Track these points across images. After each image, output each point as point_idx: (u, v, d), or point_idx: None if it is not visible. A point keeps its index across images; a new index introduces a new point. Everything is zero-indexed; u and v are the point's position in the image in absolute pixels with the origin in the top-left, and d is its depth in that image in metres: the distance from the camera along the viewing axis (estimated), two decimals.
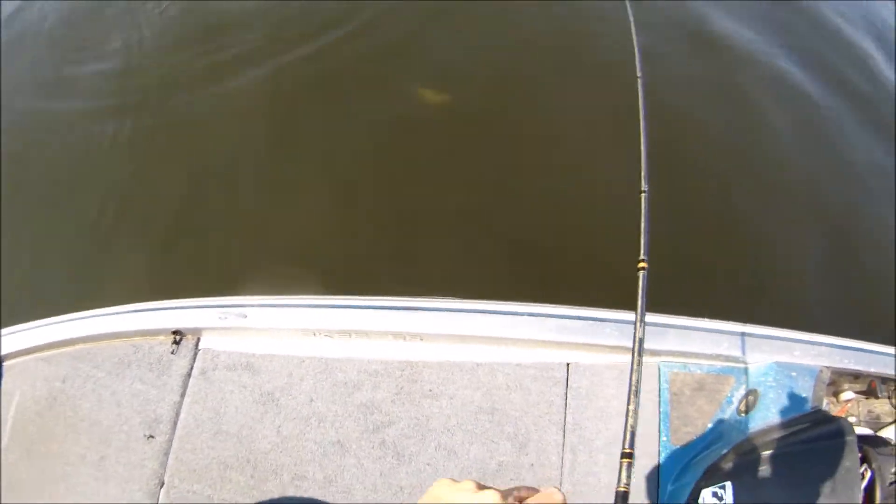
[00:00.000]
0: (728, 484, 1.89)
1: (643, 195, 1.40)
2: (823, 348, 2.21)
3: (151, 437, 1.93)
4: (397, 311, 1.98)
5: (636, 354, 1.11)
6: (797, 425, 2.01)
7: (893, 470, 2.25)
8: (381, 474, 1.86)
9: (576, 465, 1.91)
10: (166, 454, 1.92)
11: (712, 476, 1.93)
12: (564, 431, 1.93)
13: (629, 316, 2.03)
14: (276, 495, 1.86)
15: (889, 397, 2.64)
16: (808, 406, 2.14)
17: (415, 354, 2.00)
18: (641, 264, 1.26)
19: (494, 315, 1.96)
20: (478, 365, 1.97)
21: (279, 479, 1.87)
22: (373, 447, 1.88)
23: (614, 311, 2.04)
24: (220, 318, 1.99)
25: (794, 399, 2.12)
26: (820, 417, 2.05)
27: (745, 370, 2.14)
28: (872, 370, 2.29)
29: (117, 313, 2.08)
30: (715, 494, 1.90)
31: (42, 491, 1.92)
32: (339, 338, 2.00)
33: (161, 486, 1.88)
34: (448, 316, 1.96)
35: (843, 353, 2.24)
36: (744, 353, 2.11)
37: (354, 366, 1.99)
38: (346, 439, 1.89)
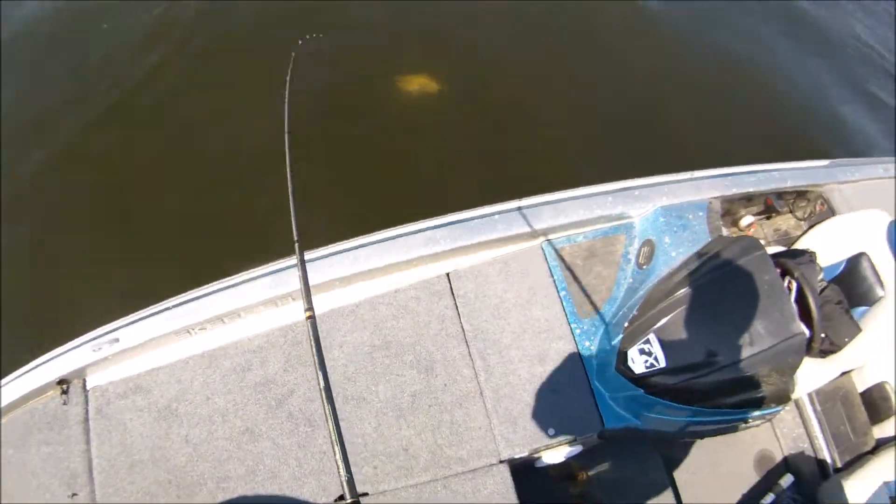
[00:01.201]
0: (651, 335, 1.82)
1: (296, 245, 1.36)
2: (706, 181, 2.13)
3: (75, 494, 1.84)
4: (262, 279, 1.88)
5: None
6: (702, 258, 1.92)
7: (820, 277, 2.23)
8: (299, 446, 1.79)
9: (490, 370, 1.84)
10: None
11: (633, 334, 1.86)
12: (466, 341, 1.85)
13: (493, 209, 1.94)
14: (207, 500, 1.79)
15: (791, 210, 2.62)
16: (704, 237, 2.09)
17: (291, 316, 1.90)
18: (308, 314, 1.22)
19: (355, 251, 1.86)
20: (357, 305, 1.88)
21: (205, 487, 1.80)
22: (282, 422, 1.80)
23: (475, 209, 1.95)
24: (94, 350, 1.91)
25: (692, 237, 2.05)
26: (723, 243, 1.97)
27: (632, 224, 2.06)
28: (763, 188, 2.24)
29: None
30: (642, 351, 1.83)
31: None
32: (213, 327, 1.91)
33: None
34: (311, 267, 1.86)
35: (727, 180, 2.15)
36: (626, 208, 2.02)
37: (237, 348, 1.89)
38: (253, 425, 1.81)
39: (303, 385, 1.83)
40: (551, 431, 1.84)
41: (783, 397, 1.95)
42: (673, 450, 2.21)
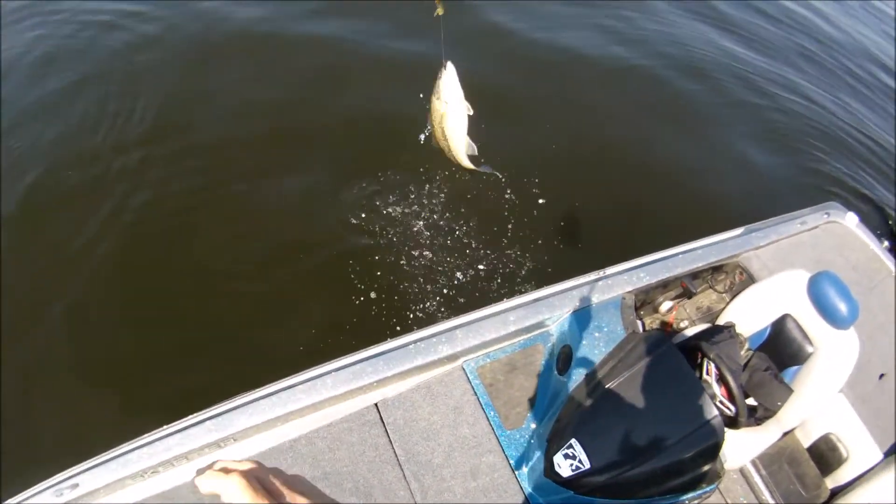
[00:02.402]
0: (573, 440, 1.93)
1: None
2: (616, 278, 2.28)
3: None
4: (202, 424, 1.94)
5: None
6: (615, 358, 2.06)
7: (745, 348, 2.34)
8: None
9: (426, 490, 1.92)
10: None
11: (555, 440, 1.97)
12: (400, 465, 1.94)
13: (410, 337, 2.05)
14: None
15: (711, 286, 2.75)
16: (620, 332, 2.21)
17: (232, 455, 1.95)
18: None
19: (289, 391, 1.94)
20: (294, 440, 1.97)
21: None
22: None
23: (394, 339, 2.06)
24: (55, 496, 1.97)
25: (608, 336, 2.17)
26: (633, 340, 2.08)
27: (549, 333, 2.19)
28: (676, 272, 2.38)
29: None
30: (567, 455, 1.94)
31: None
32: (165, 469, 1.94)
33: None
34: (250, 408, 1.93)
35: (637, 272, 2.31)
36: (541, 317, 2.15)
37: (181, 491, 1.92)
38: None
39: None
40: None
41: (713, 476, 2.03)
42: None
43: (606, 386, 1.99)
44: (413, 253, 3.26)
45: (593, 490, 1.94)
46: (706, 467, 1.98)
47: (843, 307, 2.12)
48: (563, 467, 1.96)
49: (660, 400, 1.97)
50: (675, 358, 2.02)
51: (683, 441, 1.92)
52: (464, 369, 2.12)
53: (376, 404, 2.03)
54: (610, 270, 2.31)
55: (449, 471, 1.97)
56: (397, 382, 2.05)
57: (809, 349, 2.26)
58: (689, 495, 2.05)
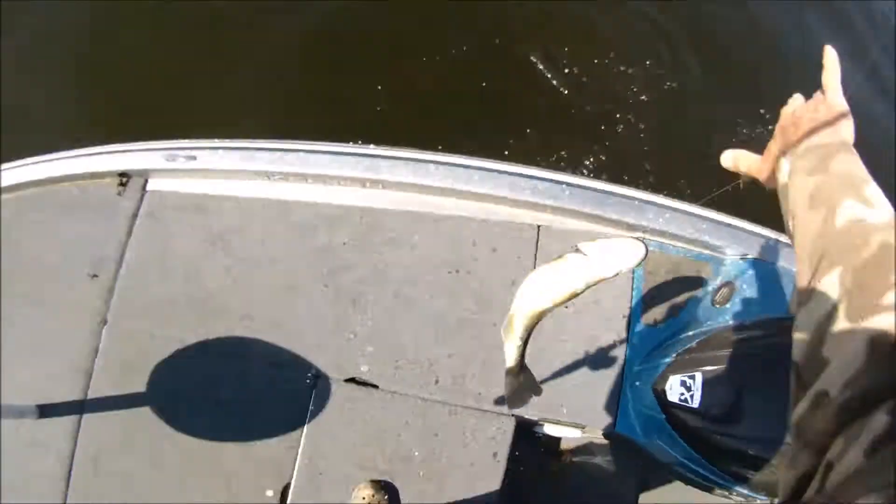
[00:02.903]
0: (698, 374, 1.81)
1: None
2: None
3: (95, 276, 1.84)
4: (358, 157, 1.82)
5: None
6: (777, 333, 1.87)
7: None
8: (334, 320, 1.78)
9: (541, 330, 1.81)
10: (110, 292, 1.84)
11: (682, 364, 1.85)
12: None
13: (604, 186, 1.87)
14: (223, 333, 1.81)
15: None
16: (785, 310, 2.02)
17: (376, 201, 1.85)
18: None
19: (463, 169, 1.80)
20: (443, 217, 1.83)
21: (227, 319, 1.81)
22: (327, 292, 1.79)
23: (588, 179, 1.88)
24: (167, 160, 1.85)
25: (770, 302, 2.01)
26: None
27: (723, 261, 2.00)
28: None
29: (62, 158, 1.94)
30: (683, 383, 1.82)
31: None
32: (295, 181, 1.85)
33: (104, 325, 1.81)
34: (412, 166, 1.81)
35: None
36: (723, 243, 1.97)
37: (311, 210, 1.85)
38: (299, 283, 1.80)
39: (362, 267, 1.80)
40: (565, 410, 1.86)
41: (774, 490, 1.95)
42: (649, 480, 2.24)
43: (757, 350, 1.83)
44: None
45: (682, 428, 1.85)
46: (774, 484, 1.89)
47: None
48: (674, 391, 1.85)
49: (786, 401, 1.81)
50: None
51: (784, 447, 1.80)
52: None
53: (539, 227, 1.87)
54: None
55: (571, 325, 1.87)
56: (569, 218, 1.89)
57: None
58: (742, 490, 1.98)
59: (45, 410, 1.78)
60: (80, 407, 1.79)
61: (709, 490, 2.10)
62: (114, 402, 1.80)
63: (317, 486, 1.76)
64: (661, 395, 1.85)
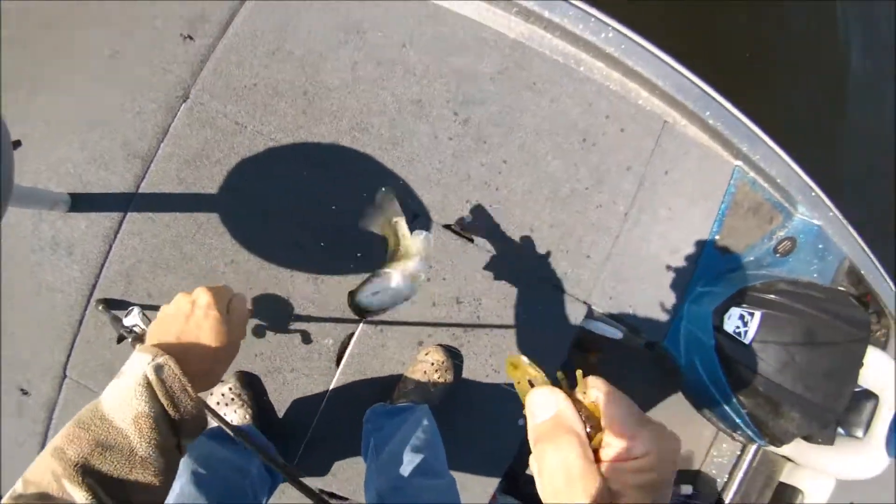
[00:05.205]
0: (757, 313, 1.90)
1: None
2: (857, 245, 2.22)
3: (190, 37, 1.53)
4: None
5: None
6: (829, 296, 2.03)
7: None
8: (453, 154, 1.65)
9: (636, 223, 1.83)
10: (203, 62, 1.53)
11: (748, 298, 1.94)
12: (639, 184, 1.81)
13: (731, 106, 1.87)
14: (326, 140, 1.58)
15: (877, 317, 2.76)
16: (828, 280, 2.19)
17: (533, 40, 1.70)
18: None
19: (632, 43, 1.71)
20: (588, 80, 1.73)
21: (337, 124, 1.58)
22: (454, 122, 1.64)
23: (719, 93, 1.86)
24: None
25: (819, 269, 2.17)
26: (850, 303, 2.07)
27: (792, 216, 2.10)
28: (873, 284, 2.32)
29: None
30: (741, 316, 1.92)
31: (35, 81, 1.49)
32: None
33: (184, 101, 1.53)
34: (586, 20, 1.67)
35: (865, 257, 2.27)
36: (801, 202, 2.06)
37: (464, 25, 1.65)
38: (428, 101, 1.62)
39: (497, 104, 1.67)
40: (632, 312, 1.89)
41: (776, 439, 2.12)
42: (656, 395, 2.37)
43: (814, 309, 1.95)
44: None
45: (726, 359, 1.97)
46: (786, 431, 2.06)
47: None
48: (731, 320, 1.94)
49: (829, 362, 1.96)
50: (860, 350, 2.01)
51: (807, 402, 1.95)
52: (733, 171, 1.95)
53: (665, 121, 1.84)
54: (854, 232, 2.19)
55: (661, 229, 1.88)
56: (688, 122, 1.89)
57: (859, 434, 2.33)
58: (750, 431, 2.15)
59: (80, 201, 1.48)
60: (125, 201, 1.50)
61: (722, 423, 2.25)
62: (172, 200, 1.53)
63: (383, 340, 1.66)
64: (717, 320, 1.94)
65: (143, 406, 0.61)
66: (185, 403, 0.64)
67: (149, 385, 0.62)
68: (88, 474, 0.57)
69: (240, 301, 0.81)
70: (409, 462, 1.26)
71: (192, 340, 0.71)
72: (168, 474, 0.62)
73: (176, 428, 0.64)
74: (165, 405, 0.62)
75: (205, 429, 0.68)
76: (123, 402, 0.61)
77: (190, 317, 0.73)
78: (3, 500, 0.55)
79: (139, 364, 0.64)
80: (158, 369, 0.63)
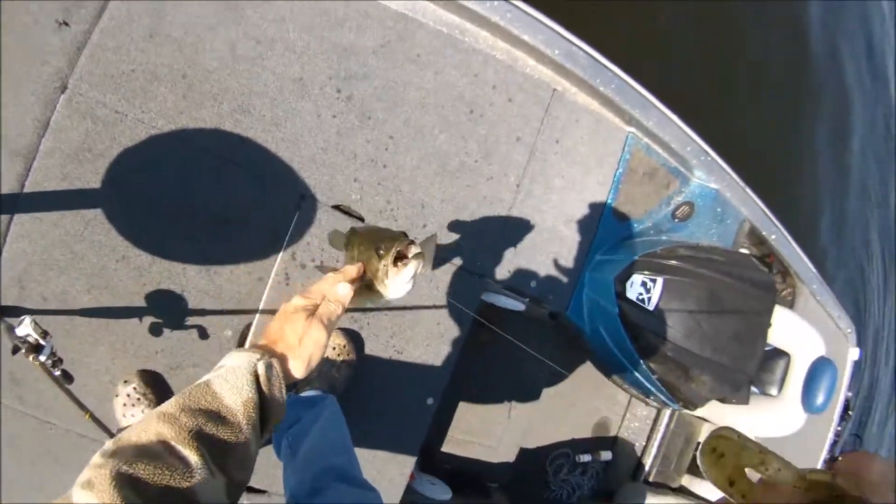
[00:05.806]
0: (659, 280, 1.94)
1: None
2: (756, 206, 2.27)
3: (65, 24, 1.44)
4: None
5: None
6: (734, 261, 2.08)
7: None
8: (337, 132, 1.62)
9: (528, 195, 1.84)
10: (79, 50, 1.45)
11: (649, 265, 1.97)
12: (530, 155, 1.82)
13: (620, 72, 1.88)
14: (208, 125, 1.54)
15: (782, 277, 2.86)
16: (729, 243, 2.25)
17: (416, 10, 1.68)
18: None
19: (517, 11, 1.69)
20: (474, 50, 1.73)
21: (218, 107, 1.54)
22: (337, 99, 1.61)
23: (608, 59, 1.88)
24: None
25: (719, 232, 2.23)
26: (753, 264, 2.13)
27: (689, 181, 2.15)
28: (775, 244, 2.40)
29: None
30: (643, 283, 1.95)
31: None
32: None
33: (62, 91, 1.44)
34: None
35: (765, 218, 2.33)
36: (696, 166, 2.10)
37: None
38: (309, 79, 1.59)
39: (380, 79, 1.64)
40: (533, 284, 1.91)
41: (689, 403, 2.18)
42: (566, 364, 2.38)
43: (715, 272, 2.00)
44: None
45: (631, 326, 2.00)
46: (696, 396, 2.12)
47: (819, 399, 2.26)
48: (633, 287, 1.98)
49: (735, 325, 2.02)
50: (768, 310, 2.08)
51: (717, 365, 2.01)
52: (627, 138, 1.99)
53: (554, 90, 1.85)
54: (751, 192, 2.26)
55: (555, 199, 1.90)
56: (578, 90, 1.91)
57: (773, 392, 2.40)
58: (663, 396, 2.20)
59: None
60: (11, 203, 1.42)
61: (636, 389, 2.29)
62: (57, 198, 1.45)
63: None
64: (620, 288, 1.97)
65: (253, 393, 0.69)
66: (279, 401, 0.72)
67: (258, 378, 0.70)
68: (200, 441, 0.63)
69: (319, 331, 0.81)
70: (329, 467, 1.23)
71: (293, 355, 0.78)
72: (254, 457, 0.71)
73: (265, 420, 0.72)
74: (266, 398, 0.71)
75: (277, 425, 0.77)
76: (235, 386, 0.69)
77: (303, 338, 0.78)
78: (98, 456, 0.58)
79: (249, 359, 0.72)
80: (269, 367, 0.72)
